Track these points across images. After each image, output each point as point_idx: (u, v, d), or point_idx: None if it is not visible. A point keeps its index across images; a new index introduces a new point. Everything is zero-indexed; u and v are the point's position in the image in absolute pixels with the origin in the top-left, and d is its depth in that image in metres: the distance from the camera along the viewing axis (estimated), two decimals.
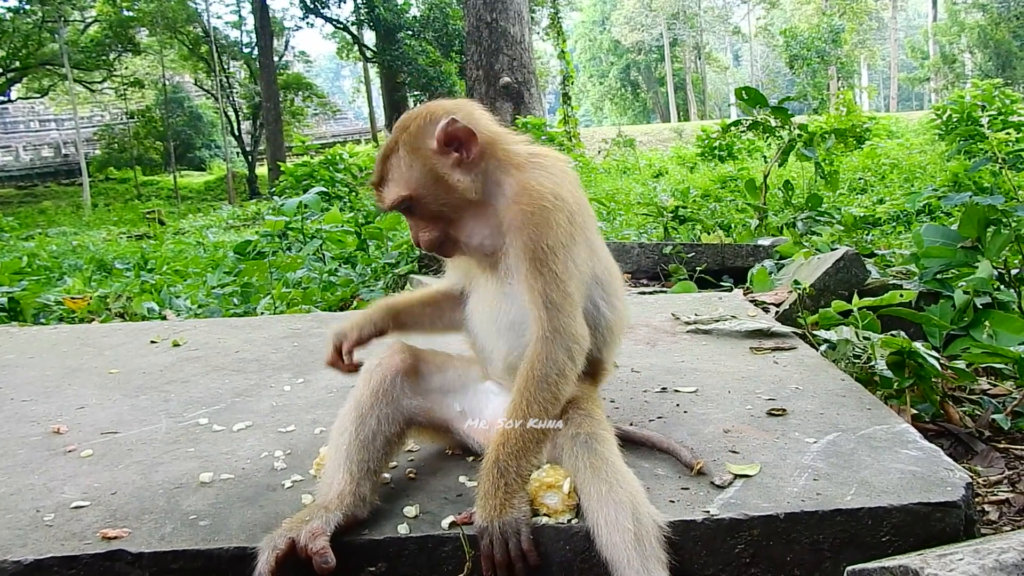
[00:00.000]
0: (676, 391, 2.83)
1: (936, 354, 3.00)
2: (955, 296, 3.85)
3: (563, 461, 2.04)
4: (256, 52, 37.42)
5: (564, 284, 2.08)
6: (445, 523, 1.94)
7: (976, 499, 2.21)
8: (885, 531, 1.93)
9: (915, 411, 3.00)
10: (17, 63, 38.07)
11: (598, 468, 1.95)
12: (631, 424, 2.45)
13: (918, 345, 2.93)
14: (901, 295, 3.65)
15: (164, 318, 5.71)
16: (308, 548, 1.83)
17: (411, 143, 2.14)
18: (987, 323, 3.60)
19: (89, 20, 40.46)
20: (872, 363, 3.08)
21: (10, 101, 43.36)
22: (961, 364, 3.25)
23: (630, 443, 2.30)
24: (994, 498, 2.55)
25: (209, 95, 44.74)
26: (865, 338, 3.24)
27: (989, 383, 3.45)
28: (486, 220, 2.17)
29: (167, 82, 42.82)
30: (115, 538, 1.93)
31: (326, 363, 2.38)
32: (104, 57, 40.32)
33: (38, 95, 42.97)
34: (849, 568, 1.85)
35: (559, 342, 2.06)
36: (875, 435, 2.35)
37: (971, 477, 2.11)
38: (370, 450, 2.08)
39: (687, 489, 2.06)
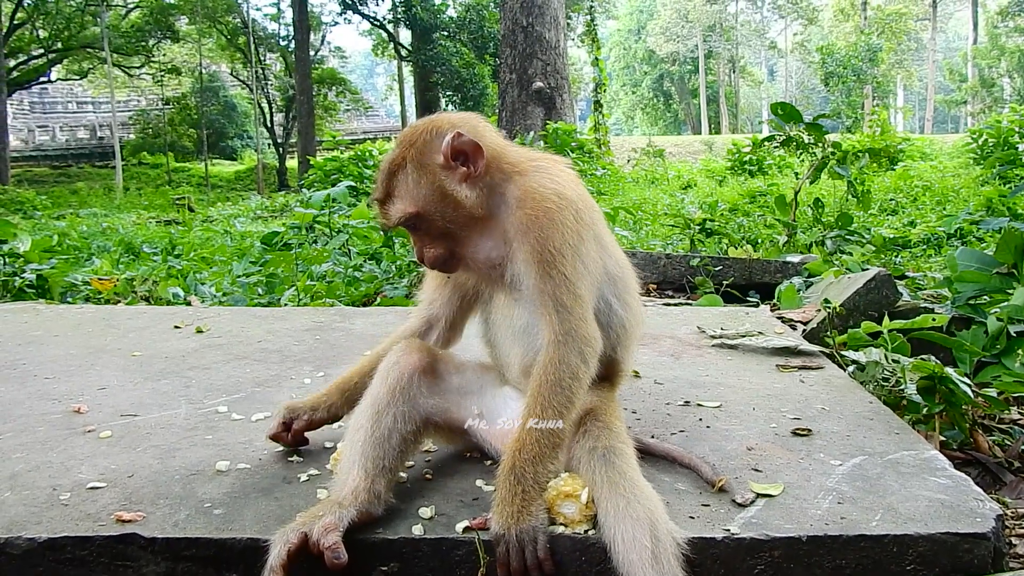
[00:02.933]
0: (699, 405, 2.79)
1: (967, 380, 2.94)
2: (988, 323, 3.76)
3: (581, 474, 2.01)
4: (293, 45, 37.70)
5: (574, 285, 2.06)
6: (460, 527, 1.91)
7: (1004, 531, 2.16)
8: (910, 560, 1.88)
9: (943, 438, 2.94)
10: (59, 45, 38.65)
11: (616, 483, 1.92)
12: (652, 437, 2.41)
13: (950, 371, 2.87)
14: (933, 319, 3.58)
15: (189, 304, 5.73)
16: (320, 543, 1.81)
17: (418, 159, 2.11)
18: (1020, 351, 3.52)
19: (131, 5, 41.03)
20: (901, 387, 3.02)
21: (50, 82, 43.99)
22: (992, 392, 3.18)
23: (651, 456, 2.27)
24: (1022, 531, 2.48)
25: (244, 86, 45.16)
26: (895, 361, 3.18)
27: (1020, 413, 3.38)
28: (491, 232, 2.15)
29: (203, 71, 43.28)
30: (129, 521, 1.92)
31: (268, 435, 2.36)
32: (143, 43, 40.87)
33: (77, 77, 43.63)
34: None
35: (571, 345, 2.03)
36: (903, 460, 2.30)
37: (1001, 508, 2.05)
38: (385, 448, 2.06)
39: (708, 506, 2.02)
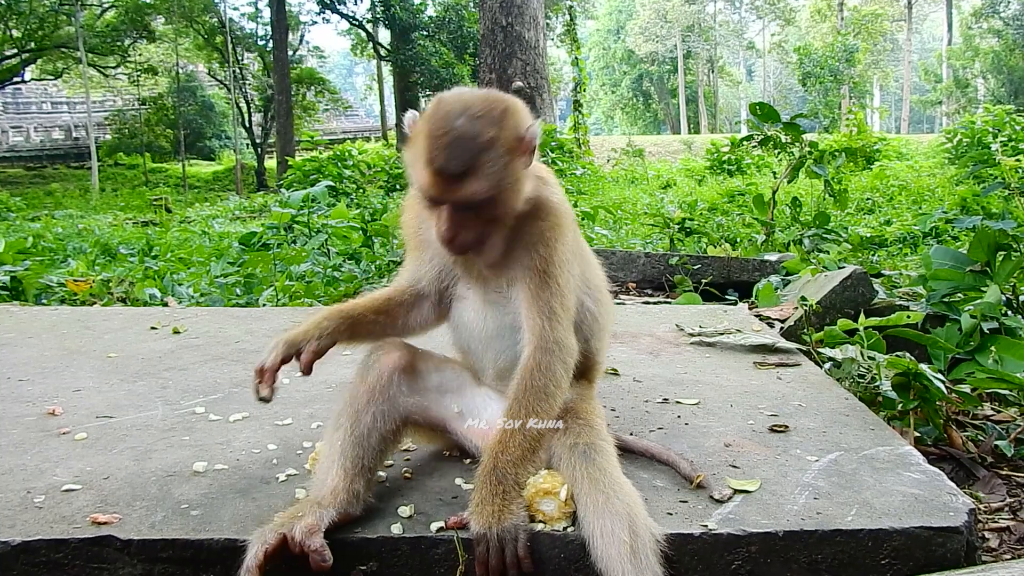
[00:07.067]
0: (678, 402, 2.80)
1: (941, 377, 2.97)
2: (962, 320, 3.81)
3: (561, 471, 2.02)
4: (271, 45, 37.43)
5: (566, 298, 2.10)
6: (434, 527, 1.90)
7: (977, 525, 2.18)
8: (885, 554, 1.90)
9: (918, 434, 2.97)
10: (32, 44, 38.11)
11: (596, 479, 1.93)
12: (631, 434, 2.42)
13: (924, 367, 2.90)
14: (908, 316, 3.62)
15: (166, 305, 5.68)
16: (304, 544, 1.80)
17: (508, 144, 1.99)
18: (993, 348, 3.56)
19: (106, 5, 40.52)
20: (877, 383, 3.05)
21: (24, 82, 43.36)
22: (966, 388, 3.22)
23: (629, 453, 2.28)
24: (995, 525, 2.52)
25: (222, 85, 44.75)
26: (870, 358, 3.21)
27: (993, 409, 3.42)
28: (508, 228, 2.13)
29: (180, 70, 42.84)
30: (105, 523, 1.90)
31: (259, 369, 2.15)
32: (119, 43, 40.34)
33: (52, 77, 43.03)
34: None
35: (557, 353, 2.06)
36: (878, 456, 2.32)
37: (974, 503, 2.08)
38: (365, 447, 2.05)
39: (685, 502, 2.03)
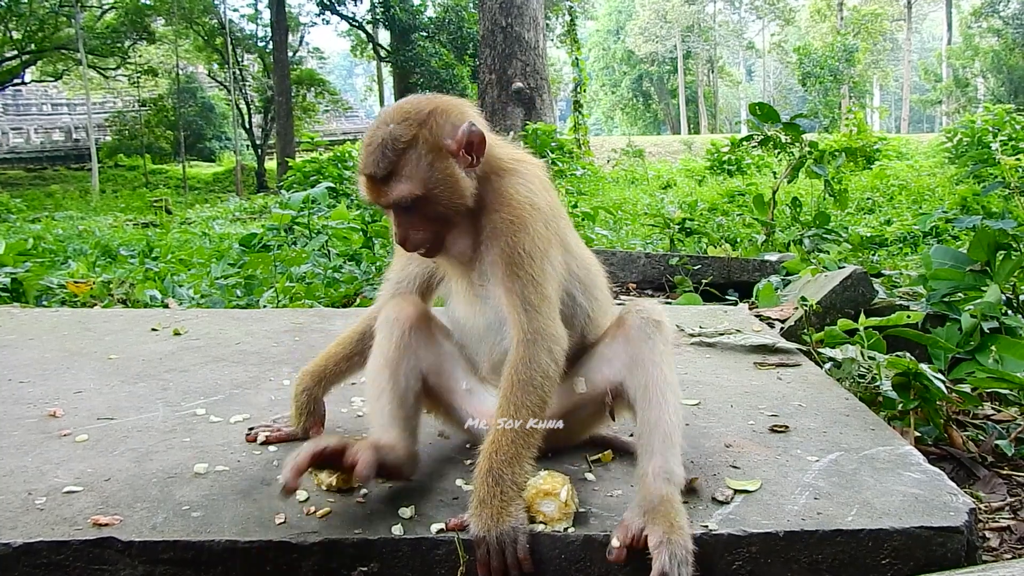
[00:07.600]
0: None
1: (942, 377, 2.97)
2: (962, 319, 3.81)
3: (631, 333, 2.15)
4: (271, 46, 37.44)
5: (541, 286, 2.08)
6: (434, 528, 1.91)
7: (977, 525, 2.19)
8: (886, 554, 1.90)
9: (918, 434, 2.97)
10: (32, 46, 38.12)
11: (667, 357, 2.12)
12: (631, 435, 2.42)
13: (924, 367, 2.91)
14: (908, 316, 3.62)
15: (166, 306, 5.68)
16: (356, 455, 1.95)
17: (432, 141, 2.05)
18: (993, 348, 3.57)
19: (106, 6, 40.54)
20: (877, 383, 3.06)
21: (24, 83, 43.35)
22: (966, 388, 3.23)
23: (628, 454, 2.28)
24: (995, 525, 2.52)
25: (222, 87, 44.76)
26: (870, 358, 3.22)
27: (993, 408, 3.42)
28: (468, 223, 2.16)
29: (180, 72, 42.83)
30: (106, 525, 1.91)
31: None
32: (119, 44, 40.35)
33: (52, 79, 43.01)
34: None
35: (540, 344, 2.05)
36: (878, 456, 2.32)
37: (974, 503, 2.08)
38: (406, 407, 2.18)
39: (686, 503, 2.02)
